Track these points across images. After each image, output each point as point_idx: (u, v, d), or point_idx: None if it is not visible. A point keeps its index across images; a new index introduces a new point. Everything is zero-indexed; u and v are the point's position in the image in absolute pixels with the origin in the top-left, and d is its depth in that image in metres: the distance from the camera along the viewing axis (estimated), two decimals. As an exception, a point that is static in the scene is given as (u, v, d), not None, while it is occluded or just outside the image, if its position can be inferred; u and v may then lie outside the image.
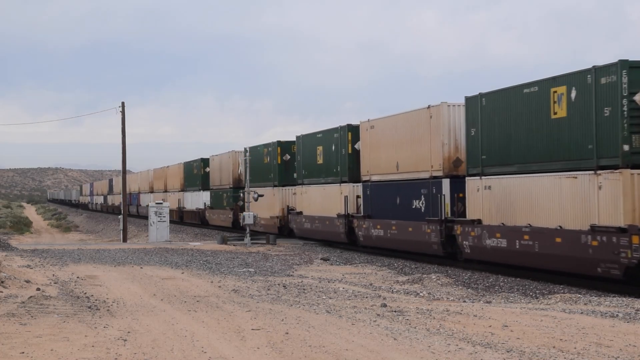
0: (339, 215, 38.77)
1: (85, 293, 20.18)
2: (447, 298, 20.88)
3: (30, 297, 18.69)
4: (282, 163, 47.95)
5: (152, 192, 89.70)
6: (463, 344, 13.16)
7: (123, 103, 54.90)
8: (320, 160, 41.93)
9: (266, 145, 50.38)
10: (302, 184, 44.55)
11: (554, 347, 12.97)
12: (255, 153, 50.46)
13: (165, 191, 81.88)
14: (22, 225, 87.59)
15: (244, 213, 43.51)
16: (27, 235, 77.09)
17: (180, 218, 73.05)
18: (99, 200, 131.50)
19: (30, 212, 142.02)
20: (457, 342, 13.31)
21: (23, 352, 12.37)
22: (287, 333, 14.10)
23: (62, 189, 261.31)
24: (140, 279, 24.61)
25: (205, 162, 65.56)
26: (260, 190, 46.84)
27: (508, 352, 12.55)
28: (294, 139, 47.19)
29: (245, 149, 50.48)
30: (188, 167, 71.80)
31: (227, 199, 57.32)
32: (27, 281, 21.84)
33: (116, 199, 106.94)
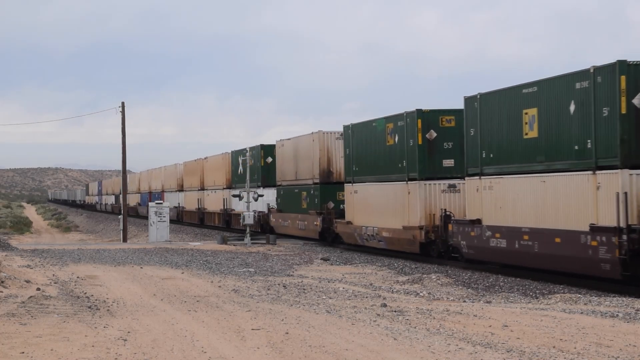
0: (596, 230, 21.89)
1: (85, 293, 20.19)
2: (447, 298, 20.88)
3: (30, 297, 18.69)
4: (425, 143, 31.85)
5: (181, 190, 74.38)
6: (463, 344, 13.16)
7: (123, 103, 54.95)
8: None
9: (395, 118, 33.62)
10: (484, 174, 27.62)
11: (554, 347, 12.97)
12: (365, 131, 36.72)
13: (202, 189, 66.03)
14: (22, 225, 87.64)
15: (244, 213, 43.44)
16: (27, 235, 77.13)
17: (227, 223, 58.13)
18: (109, 200, 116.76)
19: (30, 212, 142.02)
20: (457, 342, 13.32)
21: (23, 352, 12.38)
22: (287, 333, 14.10)
23: (62, 188, 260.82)
24: (140, 279, 24.61)
25: (267, 149, 51.29)
26: (378, 187, 35.00)
27: (508, 352, 12.55)
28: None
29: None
30: (238, 157, 55.39)
31: (308, 199, 42.98)
32: (27, 281, 21.84)
33: (132, 199, 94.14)
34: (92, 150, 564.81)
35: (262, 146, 51.15)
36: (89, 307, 17.36)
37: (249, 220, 42.98)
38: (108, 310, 17.15)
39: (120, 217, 54.33)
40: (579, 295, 20.76)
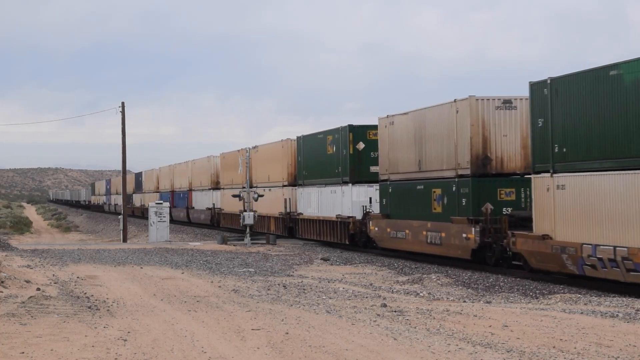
0: None
1: (85, 293, 20.19)
2: (447, 298, 20.88)
3: (30, 297, 18.69)
4: None
5: (217, 188, 61.19)
6: (463, 344, 13.16)
7: (123, 103, 54.94)
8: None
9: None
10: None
11: (554, 347, 12.97)
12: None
13: (253, 186, 49.17)
14: (22, 226, 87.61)
15: (244, 213, 43.42)
16: (27, 236, 77.11)
17: (290, 231, 45.91)
18: (119, 200, 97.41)
19: (30, 212, 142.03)
20: (457, 342, 13.32)
21: (23, 352, 12.38)
22: (287, 333, 14.10)
23: (62, 188, 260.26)
24: (140, 279, 24.61)
25: (359, 132, 38.62)
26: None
27: (508, 352, 12.55)
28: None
29: (246, 149, 48.40)
30: (310, 144, 43.77)
31: (447, 200, 29.86)
32: (27, 281, 21.84)
33: (147, 199, 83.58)
34: (92, 150, 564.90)
35: (351, 128, 38.51)
36: (89, 307, 17.36)
37: (249, 220, 42.94)
38: (108, 310, 17.14)
39: (121, 217, 54.28)
40: (579, 295, 20.76)
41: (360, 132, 38.36)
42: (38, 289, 20.21)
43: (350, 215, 37.70)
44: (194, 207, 67.94)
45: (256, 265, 30.55)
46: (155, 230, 48.72)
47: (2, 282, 20.43)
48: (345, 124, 39.27)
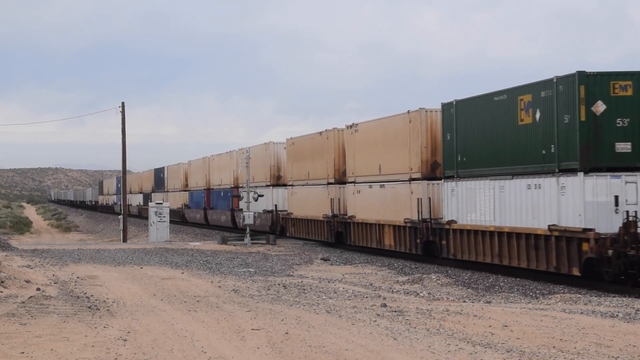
0: None
1: (85, 293, 20.19)
2: (447, 298, 20.88)
3: (30, 297, 18.69)
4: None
5: (277, 184, 47.87)
6: (463, 344, 13.16)
7: (123, 103, 54.95)
8: None
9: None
10: None
11: (554, 347, 12.97)
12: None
13: (349, 182, 37.37)
14: (22, 226, 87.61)
15: (244, 213, 43.42)
16: (27, 236, 77.12)
17: (427, 248, 30.93)
18: (135, 200, 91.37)
19: (30, 212, 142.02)
20: (457, 342, 13.31)
21: (23, 352, 12.37)
22: (287, 333, 14.10)
23: (62, 188, 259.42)
24: (140, 279, 24.61)
25: (594, 83, 22.46)
26: None
27: (508, 352, 12.55)
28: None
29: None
30: (473, 111, 28.08)
31: None
32: (27, 281, 21.84)
33: (177, 199, 70.79)
34: (92, 150, 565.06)
35: (582, 77, 22.40)
36: (89, 307, 17.36)
37: (249, 220, 42.95)
38: (108, 310, 17.14)
39: (120, 217, 54.28)
40: (579, 295, 20.76)
41: (598, 85, 22.55)
42: (38, 289, 20.21)
43: (583, 226, 22.36)
44: (242, 209, 49.40)
45: (256, 265, 30.54)
46: (155, 230, 48.72)
47: (2, 282, 20.44)
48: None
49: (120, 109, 54.66)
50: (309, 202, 42.24)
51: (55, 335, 13.75)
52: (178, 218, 69.13)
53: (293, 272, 28.43)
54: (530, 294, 22.40)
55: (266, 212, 48.62)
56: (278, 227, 47.49)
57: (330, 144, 39.94)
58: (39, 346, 12.83)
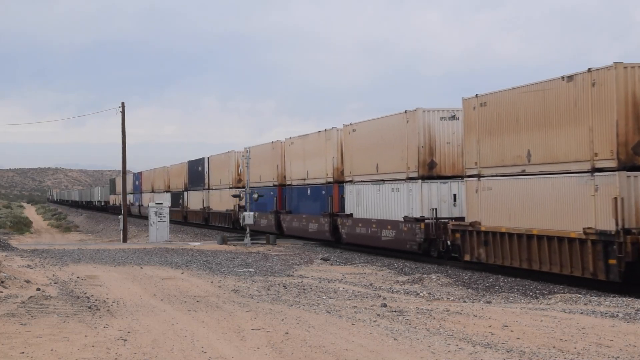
0: None
1: (85, 293, 20.19)
2: (447, 298, 20.88)
3: (30, 297, 18.69)
4: None
5: (341, 181, 38.83)
6: (463, 344, 13.16)
7: (123, 103, 54.95)
8: None
9: None
10: None
11: (554, 347, 12.97)
12: None
13: (480, 175, 26.92)
14: (22, 226, 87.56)
15: (244, 213, 43.43)
16: (27, 236, 77.08)
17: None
18: (156, 199, 72.06)
19: (30, 212, 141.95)
20: (457, 342, 13.31)
21: (23, 352, 12.37)
22: (287, 333, 14.10)
23: (63, 188, 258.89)
24: (140, 279, 24.61)
25: None
26: None
27: (508, 352, 12.55)
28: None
29: (246, 148, 45.17)
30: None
31: None
32: (27, 281, 21.84)
33: (213, 200, 58.51)
34: (93, 150, 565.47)
35: None
36: (89, 307, 17.36)
37: (249, 220, 42.95)
38: (108, 310, 17.14)
39: (120, 217, 54.28)
40: (579, 295, 20.76)
41: None
42: (38, 289, 20.21)
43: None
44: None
45: (256, 265, 30.54)
46: (155, 230, 48.73)
47: (2, 282, 20.43)
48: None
49: (120, 109, 54.68)
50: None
51: (55, 335, 13.75)
52: (228, 224, 54.29)
53: (293, 272, 28.43)
54: (530, 294, 22.40)
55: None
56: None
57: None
58: (39, 346, 12.83)
